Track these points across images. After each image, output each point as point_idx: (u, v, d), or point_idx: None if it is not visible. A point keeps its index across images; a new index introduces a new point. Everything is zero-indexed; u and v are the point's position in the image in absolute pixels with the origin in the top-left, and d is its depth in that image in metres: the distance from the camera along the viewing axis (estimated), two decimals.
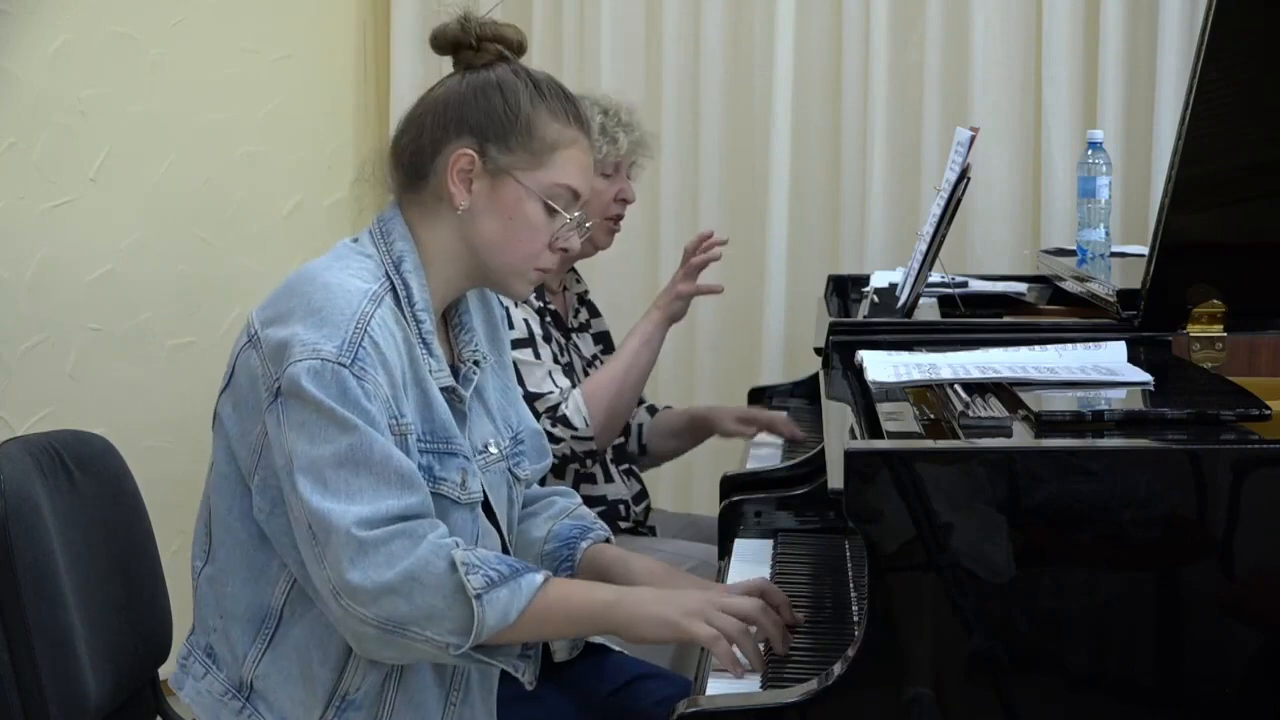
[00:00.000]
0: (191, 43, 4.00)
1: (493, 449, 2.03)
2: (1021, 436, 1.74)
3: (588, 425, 2.77)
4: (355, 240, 2.01)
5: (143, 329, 3.98)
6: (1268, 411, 1.76)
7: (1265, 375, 2.24)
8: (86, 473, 2.23)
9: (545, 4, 4.26)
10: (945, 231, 2.62)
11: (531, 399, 2.73)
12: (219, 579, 1.96)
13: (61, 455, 2.19)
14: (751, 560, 2.29)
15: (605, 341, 3.13)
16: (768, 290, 3.93)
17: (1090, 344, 2.11)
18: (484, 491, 1.99)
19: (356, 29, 4.41)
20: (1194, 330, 2.26)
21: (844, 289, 3.33)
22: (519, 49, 2.02)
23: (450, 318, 2.05)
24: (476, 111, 1.95)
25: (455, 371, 2.00)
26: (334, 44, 4.38)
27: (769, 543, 2.39)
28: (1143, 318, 2.29)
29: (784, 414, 3.17)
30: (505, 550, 2.03)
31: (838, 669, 1.64)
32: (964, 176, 2.57)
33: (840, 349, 2.40)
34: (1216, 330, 2.26)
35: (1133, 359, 2.05)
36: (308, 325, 1.85)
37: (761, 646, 1.86)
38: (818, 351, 2.70)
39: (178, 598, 2.43)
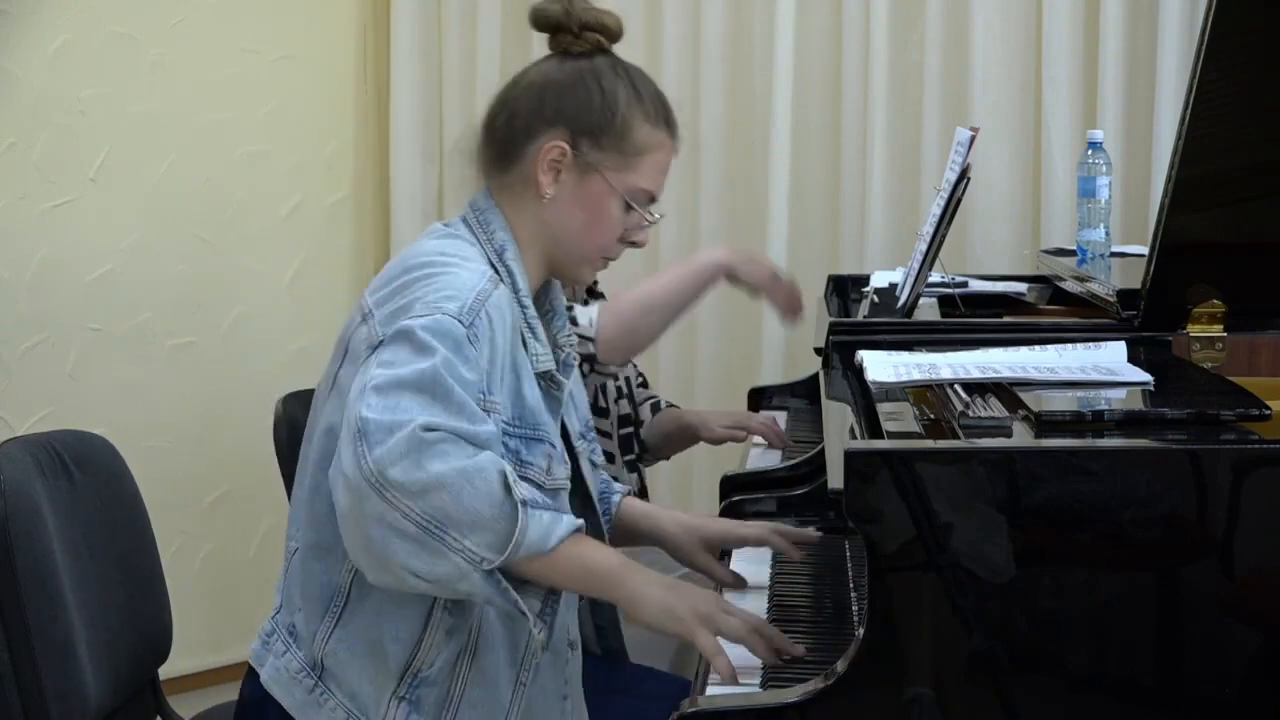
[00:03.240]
0: (191, 43, 4.00)
1: (585, 438, 2.09)
2: (1021, 436, 1.74)
3: (591, 326, 2.71)
4: (448, 225, 2.02)
5: (143, 329, 3.98)
6: (1268, 411, 1.76)
7: (1265, 375, 2.24)
8: (86, 473, 2.23)
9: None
10: (945, 231, 2.62)
11: None
12: (304, 556, 1.95)
13: (61, 455, 2.19)
14: (752, 560, 2.28)
15: None
16: None
17: (1090, 344, 2.11)
18: (583, 476, 2.03)
19: (356, 29, 4.41)
20: (1194, 330, 2.26)
21: (844, 289, 3.33)
22: (617, 36, 2.05)
23: (541, 305, 2.07)
24: (573, 104, 1.99)
25: (554, 358, 2.02)
26: (334, 44, 4.38)
27: None
28: (1143, 318, 2.29)
29: (772, 418, 3.15)
30: (600, 536, 2.07)
31: (838, 669, 1.64)
32: (964, 176, 2.57)
33: (840, 349, 2.40)
34: (1216, 330, 2.25)
35: (1133, 359, 2.05)
36: (430, 288, 1.86)
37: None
38: (818, 351, 2.70)
39: (178, 598, 2.44)
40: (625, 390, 3.06)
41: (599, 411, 2.93)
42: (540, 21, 2.04)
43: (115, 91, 3.89)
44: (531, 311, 1.98)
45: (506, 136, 2.01)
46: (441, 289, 1.86)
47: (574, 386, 2.12)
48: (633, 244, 2.05)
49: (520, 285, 1.97)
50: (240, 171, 4.11)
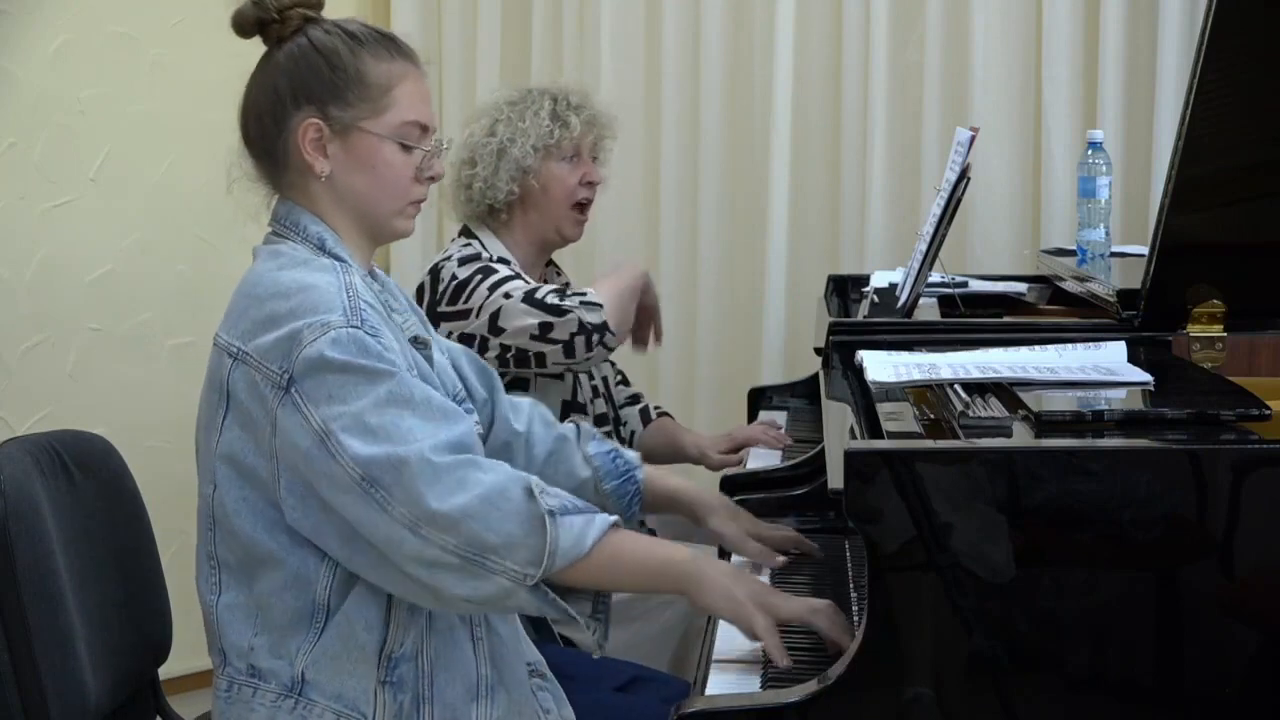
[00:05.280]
0: (191, 43, 3.99)
1: None
2: (1021, 436, 1.74)
3: (597, 296, 2.74)
4: (266, 245, 2.04)
5: (143, 329, 3.98)
6: (1268, 411, 1.76)
7: (1265, 375, 2.24)
8: (86, 473, 2.23)
9: (545, 4, 4.25)
10: (945, 231, 2.62)
11: (533, 291, 2.74)
12: (259, 602, 1.93)
13: (61, 455, 2.19)
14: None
15: None
16: (768, 290, 3.93)
17: (1090, 344, 2.11)
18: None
19: None
20: (1194, 330, 2.26)
21: (844, 289, 3.33)
22: (319, 5, 2.05)
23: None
24: (305, 80, 2.00)
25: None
26: None
27: None
28: (1143, 318, 2.29)
29: (772, 420, 3.14)
30: None
31: (838, 669, 1.64)
32: (964, 176, 2.57)
33: (840, 349, 2.40)
34: (1216, 330, 2.26)
35: (1133, 359, 2.05)
36: (302, 312, 1.87)
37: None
38: (818, 351, 2.70)
39: (178, 598, 2.43)
40: (602, 389, 3.05)
41: (577, 408, 2.92)
42: (243, 26, 2.07)
43: (115, 91, 3.89)
44: (377, 285, 2.00)
45: (263, 141, 2.04)
46: (313, 304, 1.87)
47: (439, 359, 2.11)
48: (432, 179, 2.04)
49: (353, 266, 1.98)
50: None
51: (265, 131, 2.04)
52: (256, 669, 1.95)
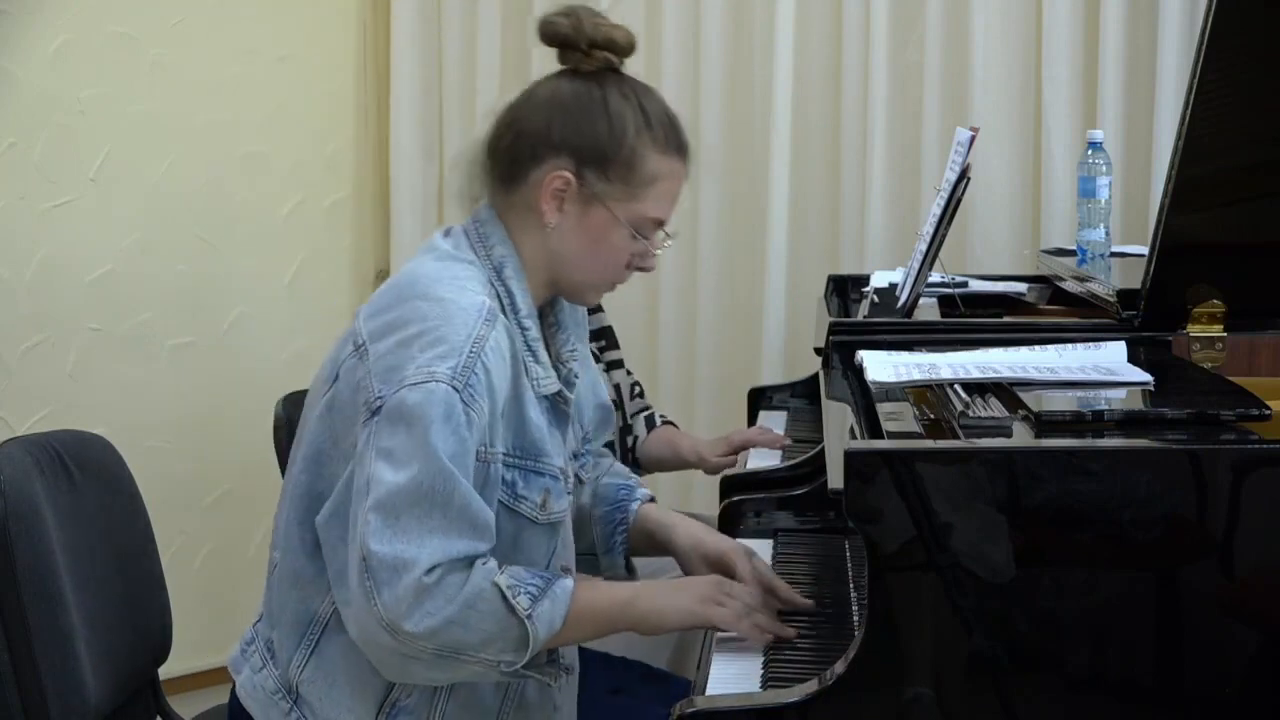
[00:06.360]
0: (191, 43, 4.00)
1: (577, 456, 2.05)
2: (1021, 436, 1.74)
3: None
4: (447, 234, 1.98)
5: (143, 329, 3.98)
6: (1268, 411, 1.76)
7: (1265, 375, 2.24)
8: (86, 473, 2.23)
9: (545, 4, 4.24)
10: (945, 231, 2.62)
11: None
12: (283, 576, 1.94)
13: (61, 455, 2.19)
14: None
15: (607, 337, 3.12)
16: (768, 290, 3.93)
17: (1090, 344, 2.11)
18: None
19: (356, 29, 4.41)
20: (1194, 330, 2.26)
21: (844, 289, 3.33)
22: (628, 52, 1.98)
23: (546, 318, 2.03)
24: (579, 133, 1.91)
25: (557, 372, 1.98)
26: (334, 44, 4.38)
27: (769, 543, 2.39)
28: (1143, 318, 2.29)
29: (760, 429, 3.13)
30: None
31: (838, 669, 1.64)
32: (964, 176, 2.57)
33: (840, 349, 2.40)
34: (1216, 330, 2.26)
35: (1133, 359, 2.05)
36: (423, 346, 1.82)
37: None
38: (818, 351, 2.70)
39: (178, 598, 2.44)
40: (614, 396, 3.05)
41: None
42: (549, 37, 1.96)
43: (115, 91, 3.89)
44: (533, 333, 1.93)
45: (511, 157, 1.94)
46: (436, 342, 1.81)
47: (582, 390, 2.06)
48: (640, 269, 2.00)
49: (520, 305, 1.92)
50: (240, 171, 4.11)
51: (518, 152, 1.94)
52: (272, 646, 1.95)
